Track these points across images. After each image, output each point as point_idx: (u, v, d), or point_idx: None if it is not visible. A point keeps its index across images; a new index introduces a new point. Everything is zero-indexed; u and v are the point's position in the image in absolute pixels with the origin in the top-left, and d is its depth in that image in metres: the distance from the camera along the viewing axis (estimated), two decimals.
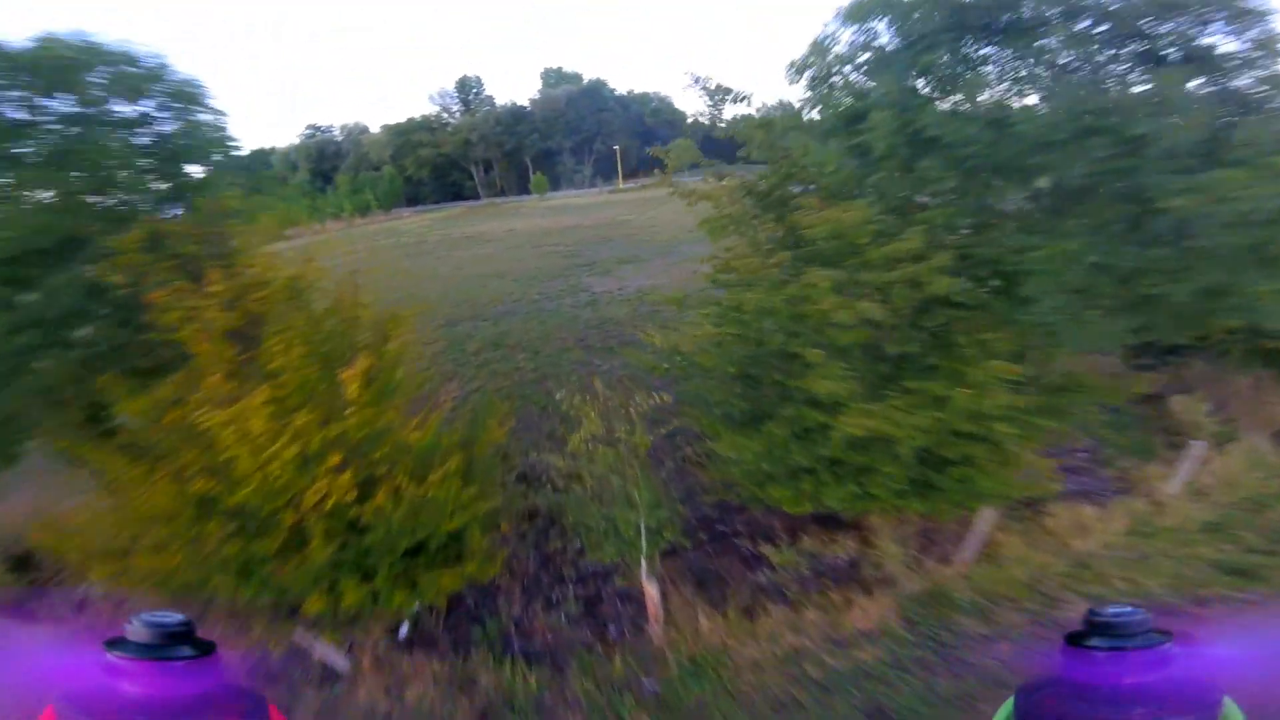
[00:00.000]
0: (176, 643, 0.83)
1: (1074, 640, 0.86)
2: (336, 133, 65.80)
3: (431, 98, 70.02)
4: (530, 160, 62.39)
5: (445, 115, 64.55)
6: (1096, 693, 0.80)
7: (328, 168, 59.28)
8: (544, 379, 7.99)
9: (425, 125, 64.71)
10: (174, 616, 0.84)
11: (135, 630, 0.82)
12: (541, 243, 21.59)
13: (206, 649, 0.84)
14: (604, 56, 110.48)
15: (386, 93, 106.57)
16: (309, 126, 67.05)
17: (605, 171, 60.36)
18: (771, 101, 4.87)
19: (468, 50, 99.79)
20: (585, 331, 10.21)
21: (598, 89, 65.88)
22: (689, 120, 69.17)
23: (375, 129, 67.12)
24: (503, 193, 58.38)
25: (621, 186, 51.05)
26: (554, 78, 66.81)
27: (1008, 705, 0.88)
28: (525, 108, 64.49)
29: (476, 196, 57.37)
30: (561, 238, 22.37)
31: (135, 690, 0.79)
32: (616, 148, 58.94)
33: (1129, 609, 0.84)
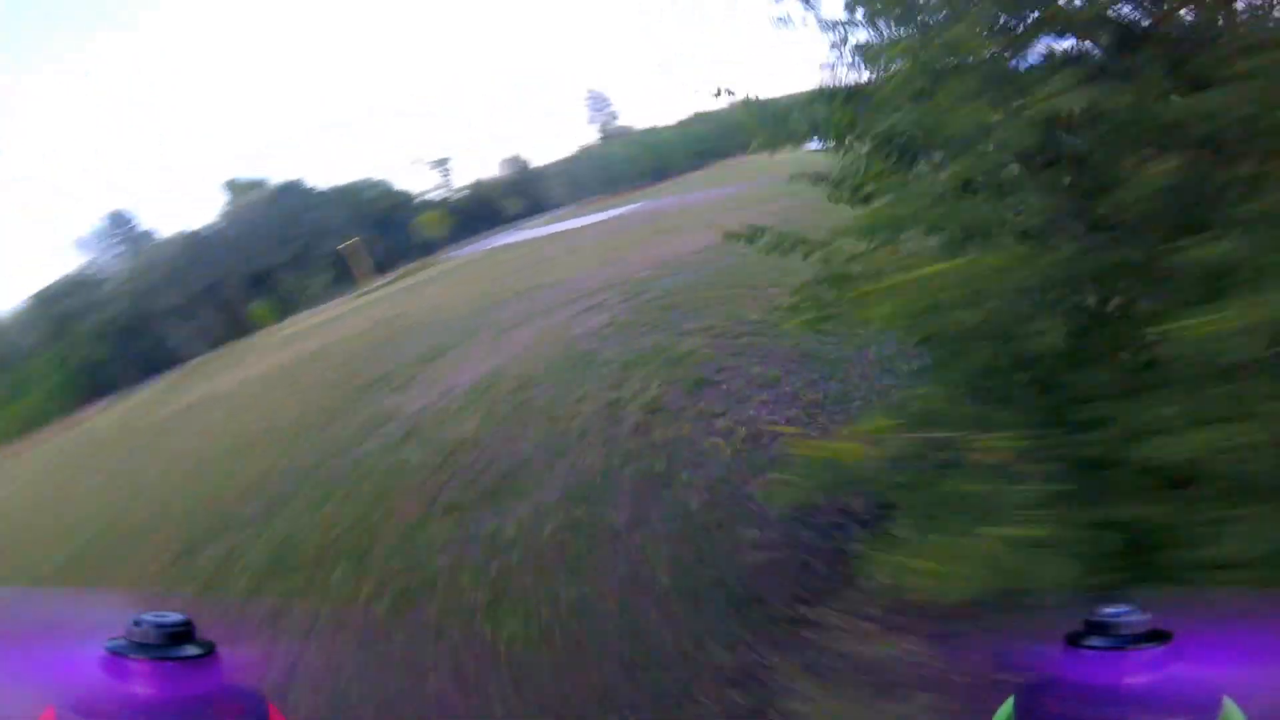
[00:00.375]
0: (177, 643, 0.81)
1: (1074, 640, 0.82)
2: None
3: (79, 243, 54.95)
4: (237, 292, 53.19)
5: (101, 267, 52.06)
6: (1096, 693, 0.78)
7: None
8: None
9: (78, 284, 51.62)
10: (174, 616, 0.82)
11: (135, 630, 0.80)
12: (297, 380, 15.59)
13: (206, 649, 0.83)
14: (286, 157, 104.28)
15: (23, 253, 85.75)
16: None
17: (341, 277, 53.49)
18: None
19: (118, 180, 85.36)
20: (430, 481, 6.11)
21: (294, 187, 58.73)
22: (421, 195, 65.49)
23: (13, 304, 51.34)
24: (218, 342, 47.44)
25: (372, 285, 43.16)
26: (239, 188, 58.06)
27: (1008, 705, 0.86)
28: (207, 231, 54.92)
29: (185, 357, 47.68)
30: (319, 365, 16.41)
31: (135, 690, 0.77)
32: (344, 245, 52.79)
33: (1129, 608, 0.81)
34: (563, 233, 30.40)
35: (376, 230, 56.49)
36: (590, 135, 72.21)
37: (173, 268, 50.87)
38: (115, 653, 0.79)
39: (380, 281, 43.44)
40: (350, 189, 63.59)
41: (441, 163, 69.94)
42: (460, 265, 33.75)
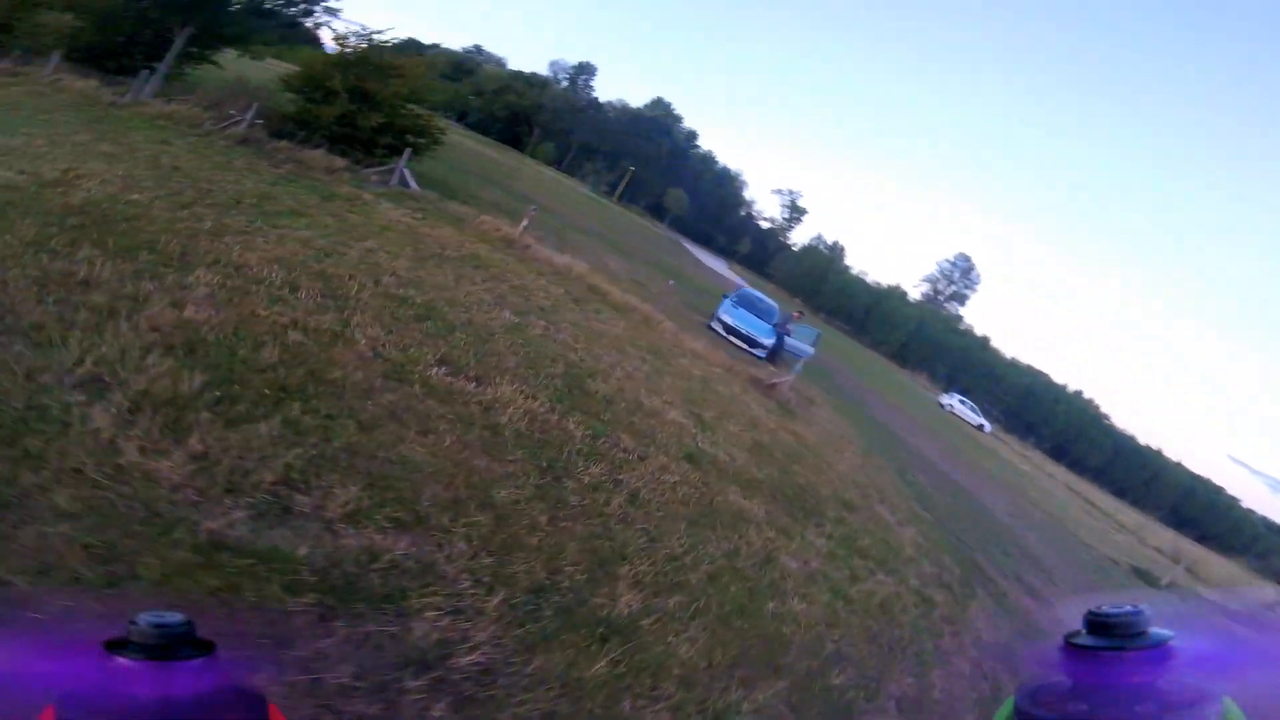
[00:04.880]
0: (177, 643, 0.81)
1: (1074, 640, 0.83)
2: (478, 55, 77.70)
3: (550, 64, 76.83)
4: (576, 146, 65.59)
5: (551, 82, 70.36)
6: (1096, 693, 0.78)
7: (457, 78, 69.23)
8: None
9: (532, 81, 71.25)
10: (174, 616, 0.82)
11: (135, 630, 0.80)
12: None
13: (206, 649, 0.83)
14: (723, 125, 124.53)
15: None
16: (475, 45, 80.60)
17: (628, 193, 64.97)
18: None
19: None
20: None
21: (664, 122, 70.62)
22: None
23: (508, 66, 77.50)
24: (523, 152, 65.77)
25: (608, 199, 63.60)
26: (659, 107, 70.71)
27: (1008, 705, 0.86)
28: (600, 104, 68.87)
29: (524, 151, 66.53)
30: None
31: (135, 691, 0.77)
32: (632, 169, 63.00)
33: (1129, 608, 0.81)
34: None
35: None
36: None
37: (572, 112, 67.42)
38: (115, 653, 0.79)
39: None
40: None
41: (798, 210, 75.18)
42: None
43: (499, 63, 75.95)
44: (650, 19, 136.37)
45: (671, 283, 15.48)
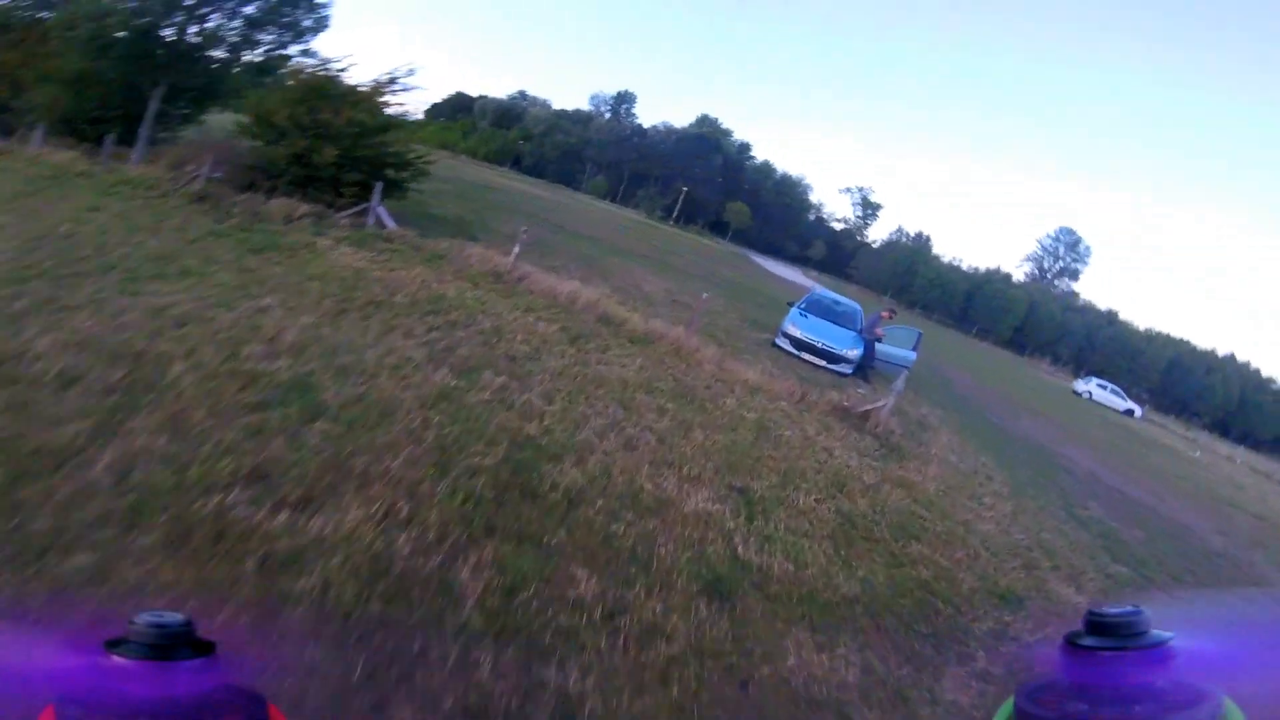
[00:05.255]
0: (177, 643, 0.79)
1: (1074, 640, 0.81)
2: (523, 100, 78.21)
3: (591, 98, 77.98)
4: (628, 176, 65.30)
5: (595, 116, 71.48)
6: (1096, 693, 0.77)
7: (507, 125, 70.79)
8: None
9: (575, 118, 72.61)
10: (174, 616, 0.80)
11: (135, 630, 0.79)
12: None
13: (206, 649, 0.81)
14: (777, 135, 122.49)
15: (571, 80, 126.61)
16: (519, 91, 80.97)
17: (686, 213, 64.30)
18: None
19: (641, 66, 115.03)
20: None
21: (712, 138, 69.17)
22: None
23: (552, 107, 77.21)
24: (578, 189, 65.53)
25: (667, 222, 63.56)
26: (705, 123, 70.20)
27: (1008, 705, 0.84)
28: (644, 130, 68.47)
29: (577, 186, 65.72)
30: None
31: (135, 691, 0.76)
32: (685, 189, 63.90)
33: (1129, 608, 0.79)
34: None
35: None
36: None
37: (607, 140, 67.78)
38: (115, 653, 0.78)
39: None
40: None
41: (871, 206, 71.31)
42: None
43: (544, 105, 77.05)
44: (683, 35, 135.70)
45: (705, 296, 11.57)
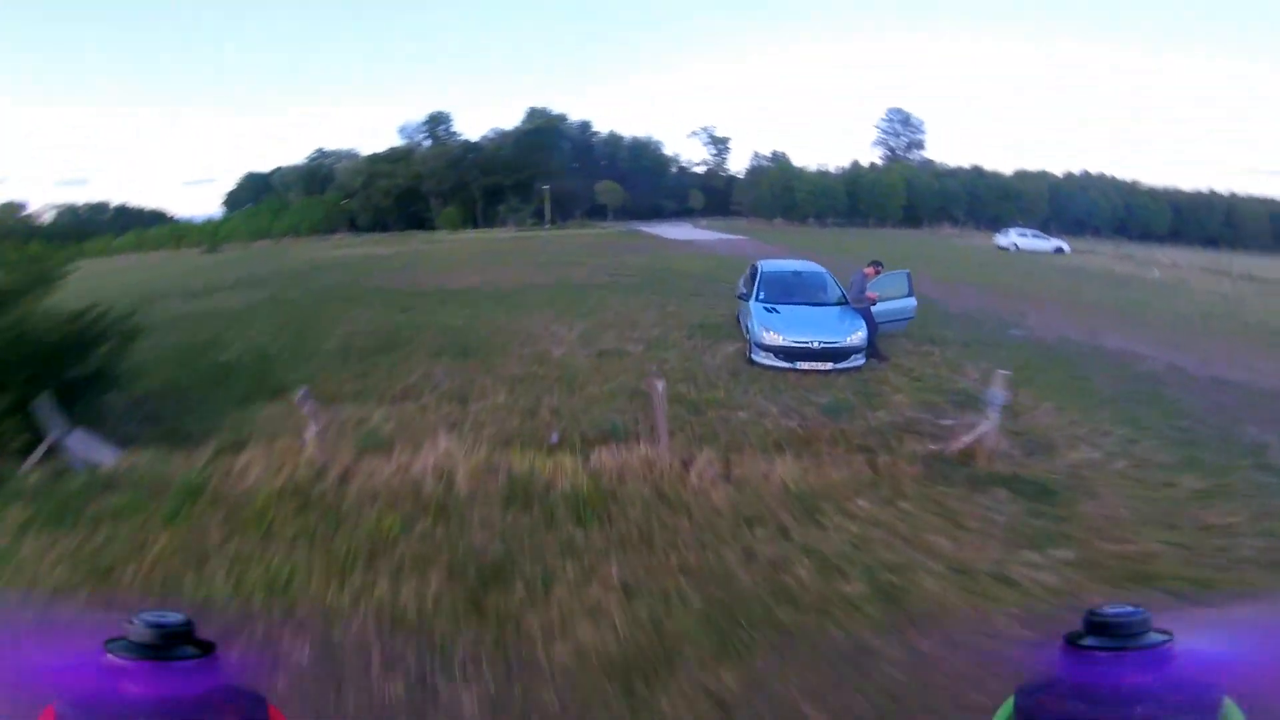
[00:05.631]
0: (176, 643, 0.81)
1: (1074, 640, 0.84)
2: (324, 158, 67.94)
3: (400, 130, 70.92)
4: (480, 196, 59.93)
5: (414, 148, 65.39)
6: (1096, 693, 0.79)
7: (319, 189, 62.52)
8: None
9: (393, 156, 65.69)
10: (174, 616, 0.83)
11: (135, 630, 0.81)
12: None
13: (206, 649, 0.83)
14: (608, 101, 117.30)
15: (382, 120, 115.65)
16: (316, 150, 69.28)
17: (559, 210, 59.32)
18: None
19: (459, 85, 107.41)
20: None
21: (551, 127, 63.64)
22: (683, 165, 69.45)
23: (362, 154, 66.32)
24: (434, 228, 57.51)
25: (543, 227, 53.84)
26: (537, 116, 65.42)
27: (1007, 705, 0.86)
28: (477, 144, 62.76)
29: (434, 227, 57.61)
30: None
31: (135, 690, 0.78)
32: (546, 187, 59.43)
33: (1129, 609, 0.82)
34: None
35: (627, 182, 60.58)
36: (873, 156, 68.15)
37: (438, 166, 60.90)
38: (115, 653, 0.79)
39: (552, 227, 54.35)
40: (618, 140, 67.32)
41: (720, 141, 70.54)
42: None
43: (351, 155, 68.01)
44: (472, 34, 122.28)
45: (656, 375, 7.30)
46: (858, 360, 8.13)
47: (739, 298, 10.31)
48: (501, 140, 62.03)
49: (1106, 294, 17.23)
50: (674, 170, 71.15)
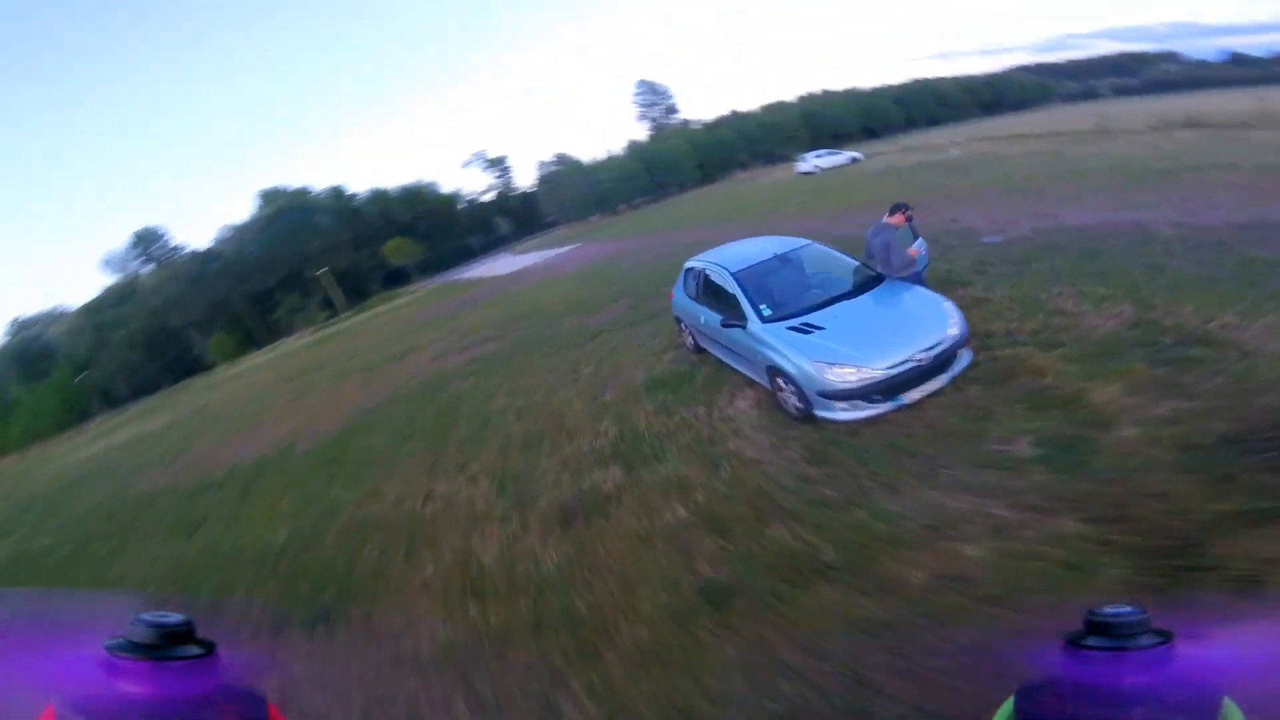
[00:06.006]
0: (177, 643, 0.82)
1: (1074, 640, 0.83)
2: (24, 329, 51.57)
3: (104, 265, 56.96)
4: (248, 308, 49.76)
5: (133, 279, 52.15)
6: (1096, 693, 0.79)
7: (41, 372, 46.32)
8: None
9: (113, 299, 51.54)
10: (174, 616, 0.83)
11: (135, 630, 0.81)
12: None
13: (207, 649, 0.83)
14: (355, 159, 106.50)
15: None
16: (11, 323, 52.63)
17: (351, 290, 51.13)
18: None
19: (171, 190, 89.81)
20: None
21: (298, 205, 54.41)
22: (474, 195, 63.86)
23: (71, 309, 51.58)
24: (210, 365, 46.46)
25: (340, 318, 42.02)
26: (274, 198, 55.37)
27: (1007, 705, 0.86)
28: (213, 250, 51.87)
29: (209, 364, 45.08)
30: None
31: (135, 690, 0.78)
32: (323, 271, 50.86)
33: (1129, 609, 0.82)
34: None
35: (419, 236, 54.68)
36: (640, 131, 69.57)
37: (175, 288, 49.25)
38: (115, 653, 0.79)
39: (345, 312, 43.49)
40: (382, 195, 60.53)
41: (498, 162, 67.11)
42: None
43: (58, 313, 53.14)
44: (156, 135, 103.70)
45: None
46: (965, 357, 4.95)
47: (692, 329, 7.01)
48: (242, 237, 51.86)
49: (977, 178, 16.42)
50: (463, 206, 66.46)
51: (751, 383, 5.88)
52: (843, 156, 35.30)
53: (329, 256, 50.51)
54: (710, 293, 6.40)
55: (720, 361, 6.54)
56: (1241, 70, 66.91)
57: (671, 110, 74.35)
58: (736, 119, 67.77)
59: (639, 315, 10.16)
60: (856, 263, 6.12)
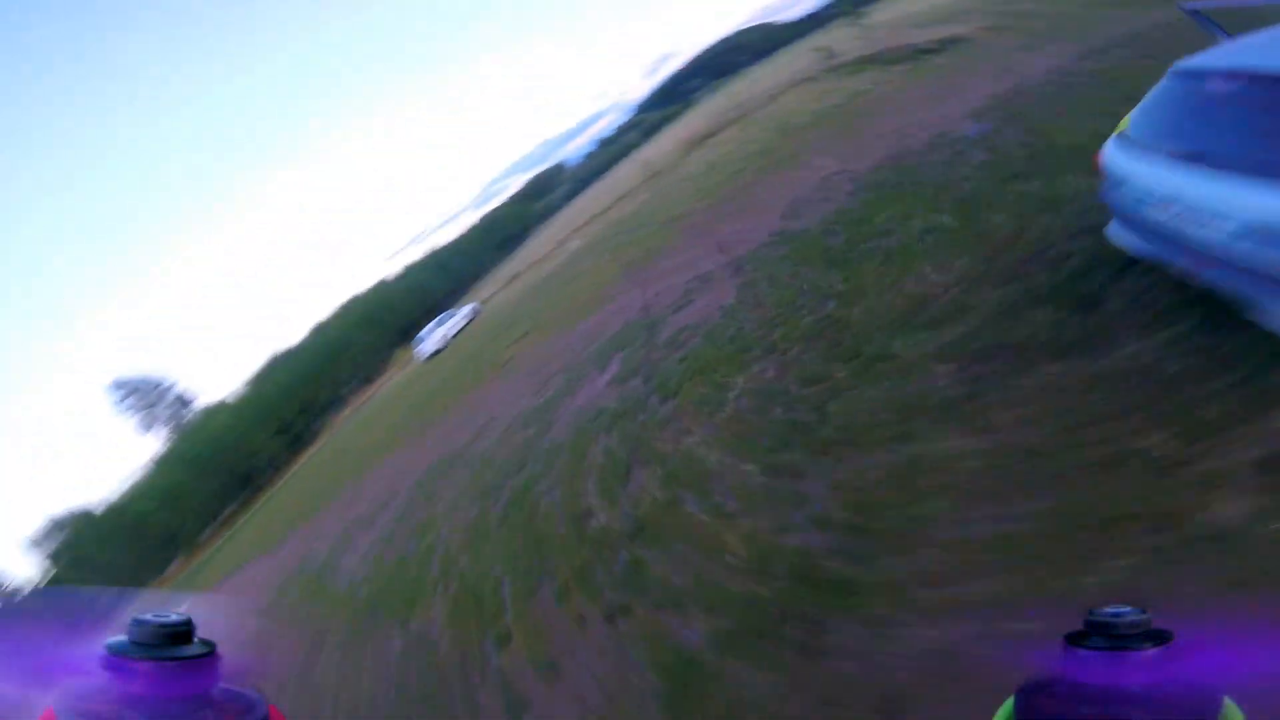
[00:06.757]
0: (177, 643, 0.80)
1: (1074, 640, 0.82)
2: None
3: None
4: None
5: None
6: (1096, 693, 0.78)
7: None
8: None
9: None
10: (174, 616, 0.81)
11: (135, 630, 0.80)
12: None
13: (207, 649, 0.82)
14: None
15: None
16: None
17: None
18: None
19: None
20: None
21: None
22: None
23: None
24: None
25: None
26: None
27: (1007, 706, 0.85)
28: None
29: None
30: None
31: (135, 690, 0.77)
32: None
33: (1129, 609, 0.81)
34: None
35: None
36: None
37: None
38: (115, 653, 0.77)
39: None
40: None
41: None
42: None
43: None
44: None
45: None
46: None
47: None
48: None
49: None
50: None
51: None
52: (461, 314, 27.49)
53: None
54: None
55: None
56: None
57: (183, 399, 46.86)
58: (318, 335, 42.33)
59: None
60: None
